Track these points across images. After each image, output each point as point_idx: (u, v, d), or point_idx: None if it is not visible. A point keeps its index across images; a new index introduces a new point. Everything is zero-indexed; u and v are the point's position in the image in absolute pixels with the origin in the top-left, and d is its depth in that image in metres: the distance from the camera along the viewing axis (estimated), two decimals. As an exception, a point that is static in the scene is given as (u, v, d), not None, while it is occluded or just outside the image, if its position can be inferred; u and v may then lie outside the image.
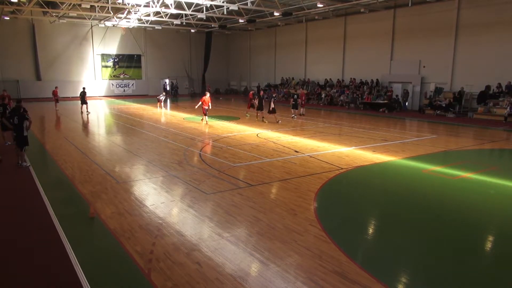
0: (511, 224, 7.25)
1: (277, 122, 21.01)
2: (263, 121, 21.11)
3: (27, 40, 37.10)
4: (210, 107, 20.66)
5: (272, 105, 21.31)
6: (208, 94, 20.87)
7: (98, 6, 30.89)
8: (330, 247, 5.98)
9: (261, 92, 23.29)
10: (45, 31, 37.76)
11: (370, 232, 7.01)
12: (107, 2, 29.18)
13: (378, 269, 5.37)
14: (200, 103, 20.39)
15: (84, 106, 25.39)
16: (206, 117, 20.52)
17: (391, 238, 6.63)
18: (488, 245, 6.61)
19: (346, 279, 5.04)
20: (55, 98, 27.48)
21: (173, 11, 30.06)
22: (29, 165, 11.18)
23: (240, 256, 5.69)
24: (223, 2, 28.19)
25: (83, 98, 25.32)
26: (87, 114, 25.01)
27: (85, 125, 20.95)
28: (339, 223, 7.23)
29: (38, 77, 38.12)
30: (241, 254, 5.77)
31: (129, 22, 37.34)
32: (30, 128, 11.55)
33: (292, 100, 24.02)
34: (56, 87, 28.54)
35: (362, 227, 7.19)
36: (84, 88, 26.06)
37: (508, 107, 21.50)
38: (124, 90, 43.29)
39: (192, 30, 42.88)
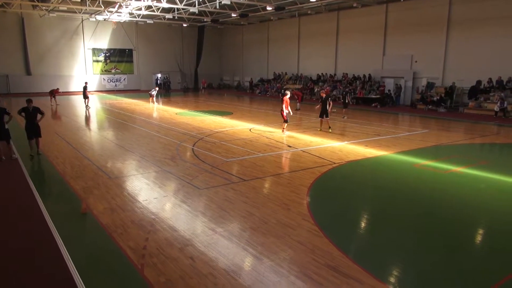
0: (500, 218, 7.34)
1: (343, 117, 20.93)
2: (328, 130, 16.30)
3: (17, 34, 36.55)
4: (290, 112, 16.01)
5: (348, 99, 20.88)
6: (289, 94, 16.18)
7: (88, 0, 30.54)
8: (323, 241, 6.02)
9: (322, 93, 17.07)
10: (35, 25, 37.22)
11: (362, 226, 7.06)
12: (98, -4, 28.84)
13: (370, 263, 5.42)
14: (284, 106, 15.64)
15: (86, 100, 25.39)
16: (285, 124, 15.89)
17: (383, 232, 6.68)
18: (478, 238, 6.70)
19: (339, 273, 5.08)
20: (53, 95, 27.14)
21: (165, 5, 29.79)
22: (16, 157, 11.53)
23: (234, 251, 5.71)
24: (215, -4, 28.02)
25: (84, 92, 25.25)
26: (87, 109, 24.98)
27: (78, 120, 20.76)
28: (331, 218, 7.27)
29: (28, 72, 37.65)
30: (235, 248, 5.79)
31: (120, 16, 36.95)
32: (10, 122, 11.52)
33: (280, 95, 24.05)
34: (57, 88, 28.47)
35: (355, 221, 7.24)
36: (86, 83, 25.99)
37: (499, 102, 21.70)
38: (115, 85, 42.93)
39: (184, 25, 42.56)
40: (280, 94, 23.99)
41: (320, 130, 16.51)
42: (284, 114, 15.54)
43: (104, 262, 5.53)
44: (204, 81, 43.28)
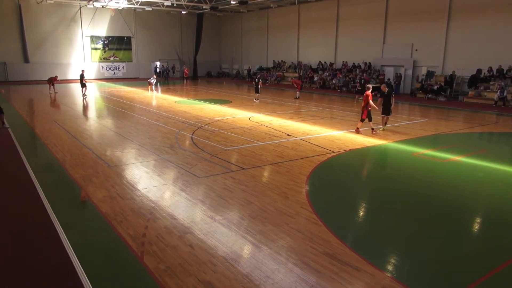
0: (498, 207, 7.38)
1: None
2: (381, 129, 14.33)
3: (14, 21, 36.17)
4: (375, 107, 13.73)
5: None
6: (371, 88, 13.78)
7: (86, -14, 30.20)
8: (321, 230, 6.06)
9: (384, 87, 14.28)
10: (32, 12, 36.82)
11: (360, 215, 7.10)
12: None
13: (368, 251, 5.46)
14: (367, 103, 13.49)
15: (83, 89, 25.11)
16: (371, 123, 13.78)
17: (381, 220, 6.72)
18: (476, 227, 6.75)
19: (337, 261, 5.12)
20: (51, 83, 26.79)
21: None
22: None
23: (232, 239, 5.74)
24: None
25: (81, 80, 25.00)
26: (84, 98, 24.72)
27: (77, 108, 20.68)
28: (330, 206, 7.30)
29: (26, 60, 37.37)
30: (233, 236, 5.83)
31: (118, 3, 36.58)
32: None
33: (253, 83, 23.67)
34: (56, 76, 28.00)
35: (353, 209, 7.28)
36: (82, 71, 25.71)
37: (498, 91, 21.65)
38: (114, 73, 42.70)
39: (183, 12, 42.14)
40: (255, 80, 23.39)
41: (383, 129, 14.27)
42: (367, 112, 13.44)
43: (104, 250, 5.56)
44: (187, 70, 40.61)
